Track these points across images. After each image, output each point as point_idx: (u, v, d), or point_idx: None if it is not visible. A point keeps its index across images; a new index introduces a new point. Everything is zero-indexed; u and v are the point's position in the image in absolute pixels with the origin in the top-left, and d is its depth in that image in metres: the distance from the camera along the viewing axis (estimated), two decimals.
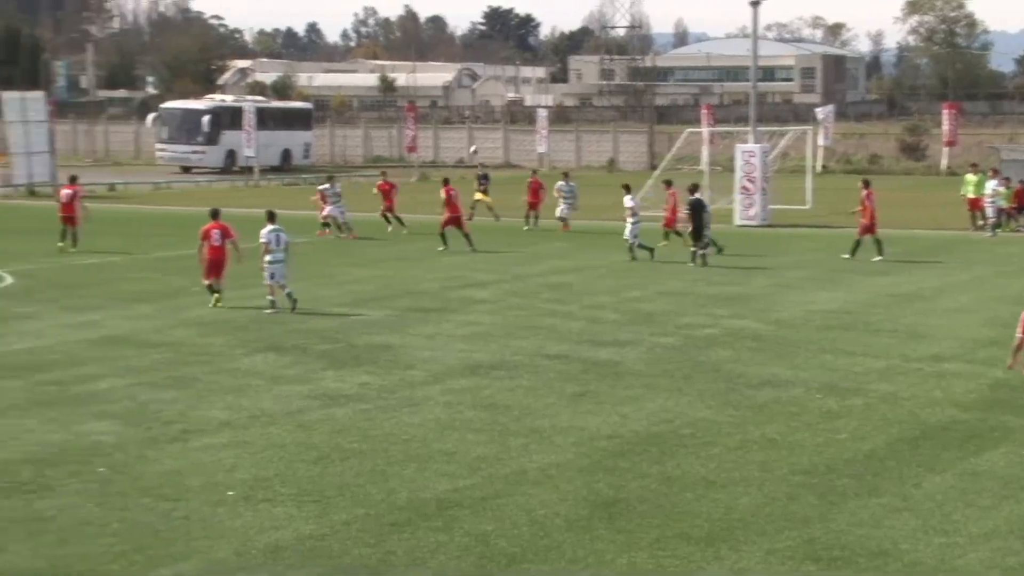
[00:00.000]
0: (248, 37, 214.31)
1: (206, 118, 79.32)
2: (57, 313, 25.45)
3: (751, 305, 27.07)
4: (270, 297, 25.89)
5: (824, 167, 72.26)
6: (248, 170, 70.45)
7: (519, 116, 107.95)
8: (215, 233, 26.49)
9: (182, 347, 22.12)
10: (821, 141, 73.13)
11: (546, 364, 20.75)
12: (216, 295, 26.37)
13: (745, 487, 14.09)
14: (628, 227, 34.88)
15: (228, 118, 78.15)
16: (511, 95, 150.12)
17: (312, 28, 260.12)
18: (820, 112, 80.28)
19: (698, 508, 13.38)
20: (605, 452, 15.53)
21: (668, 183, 38.00)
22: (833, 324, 24.68)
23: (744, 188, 45.02)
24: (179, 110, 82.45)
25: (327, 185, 41.79)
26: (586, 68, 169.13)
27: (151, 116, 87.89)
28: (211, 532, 12.62)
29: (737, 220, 44.67)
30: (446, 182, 38.12)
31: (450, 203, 37.11)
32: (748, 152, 45.37)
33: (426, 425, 16.84)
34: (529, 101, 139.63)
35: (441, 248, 36.22)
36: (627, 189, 35.97)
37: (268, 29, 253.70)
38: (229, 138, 77.36)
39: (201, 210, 30.10)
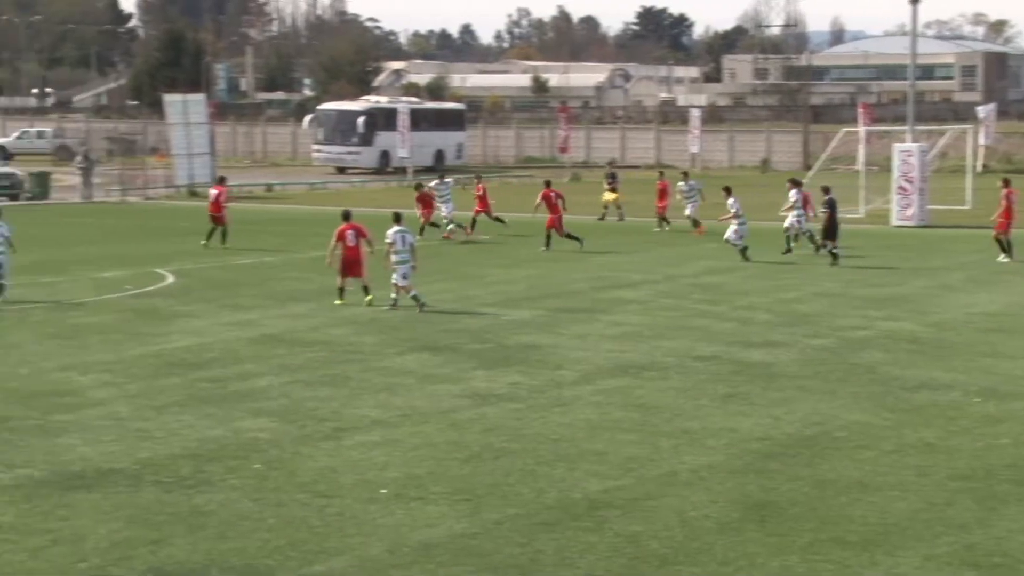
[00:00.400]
0: (403, 39, 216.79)
1: (361, 119, 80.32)
2: (216, 312, 25.97)
3: (908, 307, 26.60)
4: (393, 296, 26.23)
5: (985, 166, 70.72)
6: (402, 171, 71.19)
7: (672, 116, 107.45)
8: (349, 234, 26.86)
9: (336, 346, 22.42)
10: (982, 140, 71.63)
11: (697, 365, 20.62)
12: (368, 296, 26.70)
13: (901, 491, 13.84)
14: (731, 229, 34.46)
15: (383, 119, 79.10)
16: (664, 95, 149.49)
17: (466, 29, 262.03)
18: (981, 111, 78.62)
19: (852, 512, 13.18)
20: (757, 454, 15.38)
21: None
22: (993, 327, 24.15)
23: (901, 188, 44.27)
24: (335, 112, 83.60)
25: (437, 181, 41.77)
26: (740, 67, 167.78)
27: (308, 118, 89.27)
28: (364, 529, 12.77)
29: (894, 221, 43.94)
30: (547, 184, 38.32)
31: (550, 205, 37.10)
32: (905, 152, 44.59)
33: (576, 425, 16.84)
34: (682, 101, 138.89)
35: (542, 248, 36.26)
36: (728, 192, 35.57)
37: (422, 31, 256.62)
38: (383, 139, 78.28)
39: (356, 210, 30.46)
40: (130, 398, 18.17)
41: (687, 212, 42.19)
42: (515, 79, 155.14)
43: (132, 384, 19.10)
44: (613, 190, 46.28)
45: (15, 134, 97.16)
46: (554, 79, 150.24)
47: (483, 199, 41.97)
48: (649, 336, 23.23)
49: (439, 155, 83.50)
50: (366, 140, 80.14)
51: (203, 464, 14.86)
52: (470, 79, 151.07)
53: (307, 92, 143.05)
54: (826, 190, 35.13)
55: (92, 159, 61.09)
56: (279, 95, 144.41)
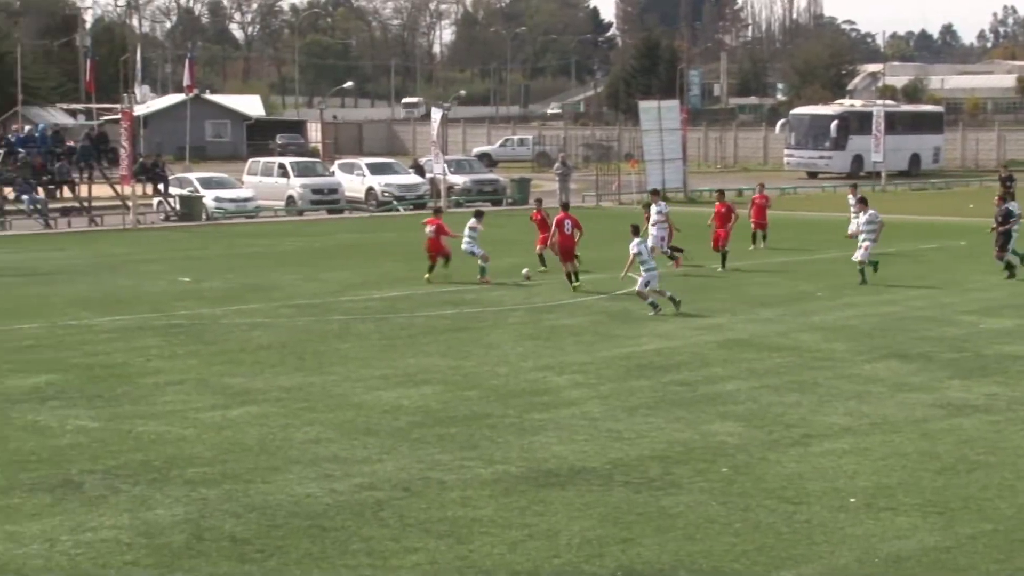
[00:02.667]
0: (880, 41, 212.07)
1: (834, 123, 79.27)
2: (686, 316, 26.22)
3: None
4: (649, 301, 26.13)
5: None
6: (875, 175, 69.72)
7: None
8: (566, 223, 30.36)
9: (805, 352, 22.22)
10: None
11: None
12: (575, 283, 29.42)
13: None
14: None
15: (856, 123, 77.80)
16: None
17: (947, 30, 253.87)
18: None
19: None
20: None
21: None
22: None
23: None
24: (807, 116, 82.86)
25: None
26: None
27: (780, 122, 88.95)
28: (832, 537, 12.61)
29: None
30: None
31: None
32: None
33: None
34: None
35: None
36: (864, 202, 32.79)
37: (901, 32, 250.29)
38: (856, 143, 76.95)
39: (827, 216, 30.09)
40: (602, 399, 18.63)
41: None
42: (998, 80, 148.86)
43: (604, 385, 19.58)
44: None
45: (499, 142, 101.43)
46: None
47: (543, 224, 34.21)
48: None
49: (914, 159, 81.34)
50: (839, 144, 79.01)
51: (671, 466, 15.06)
52: (949, 80, 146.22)
53: (779, 97, 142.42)
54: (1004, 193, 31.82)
55: (569, 165, 62.96)
56: (751, 100, 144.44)
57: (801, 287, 30.26)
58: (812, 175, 79.00)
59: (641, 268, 26.47)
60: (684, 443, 16.12)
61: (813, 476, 14.62)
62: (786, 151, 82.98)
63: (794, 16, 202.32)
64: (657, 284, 26.56)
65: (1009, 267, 31.49)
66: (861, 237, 31.01)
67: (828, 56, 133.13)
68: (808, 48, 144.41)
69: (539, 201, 36.57)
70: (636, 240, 26.75)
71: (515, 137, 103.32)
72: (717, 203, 35.46)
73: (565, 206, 32.49)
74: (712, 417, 17.46)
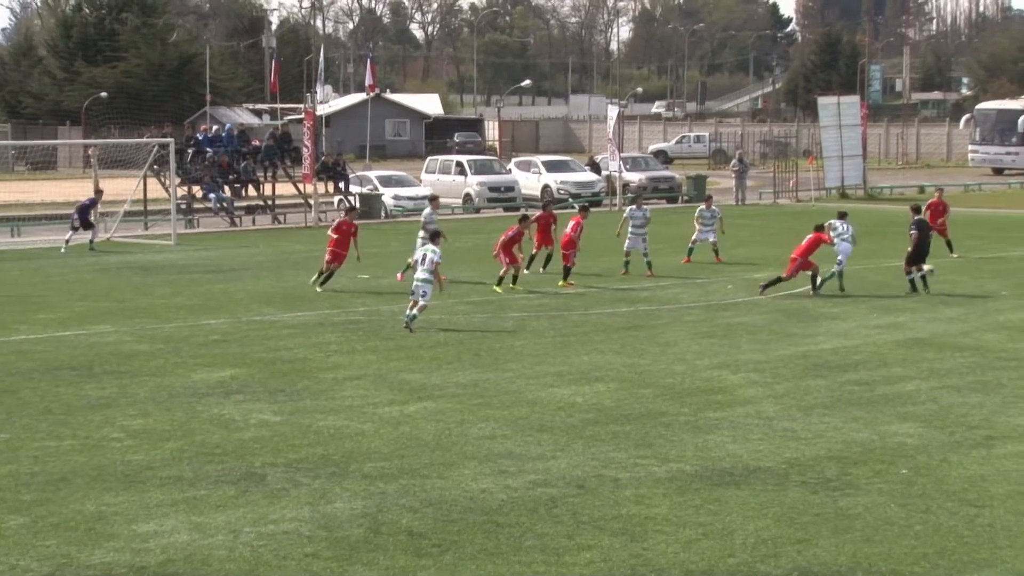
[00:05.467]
0: None
1: (1022, 119, 77.26)
2: (865, 314, 25.82)
3: None
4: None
5: None
6: None
7: None
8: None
9: (988, 351, 21.71)
10: None
11: None
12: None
13: None
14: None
15: None
16: None
17: None
18: None
19: None
20: None
21: None
22: None
23: None
24: (994, 111, 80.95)
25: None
26: None
27: (964, 117, 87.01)
28: (1016, 542, 12.32)
29: None
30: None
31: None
32: None
33: None
34: None
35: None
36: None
37: None
38: None
39: (1013, 212, 29.37)
40: (777, 398, 18.45)
41: None
42: None
43: (780, 384, 19.38)
44: None
45: (675, 139, 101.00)
46: None
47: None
48: None
49: None
50: None
51: (849, 467, 14.86)
52: None
53: (964, 92, 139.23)
54: (915, 210, 29.87)
55: (746, 162, 62.39)
56: (935, 95, 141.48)
57: (985, 286, 29.58)
58: (998, 171, 77.12)
59: None
60: (862, 443, 15.88)
61: (996, 478, 14.30)
62: (970, 147, 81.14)
63: (980, 9, 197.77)
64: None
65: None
66: None
67: (1016, 50, 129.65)
68: (995, 42, 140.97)
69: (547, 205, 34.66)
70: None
71: (691, 134, 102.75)
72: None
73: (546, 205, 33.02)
74: (891, 418, 17.17)
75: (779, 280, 28.43)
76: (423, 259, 24.54)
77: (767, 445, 15.84)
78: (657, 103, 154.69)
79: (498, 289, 28.79)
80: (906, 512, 13.20)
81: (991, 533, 12.56)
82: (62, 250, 39.15)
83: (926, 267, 28.30)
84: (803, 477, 14.45)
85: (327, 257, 29.54)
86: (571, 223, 30.72)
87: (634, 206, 33.33)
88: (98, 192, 41.49)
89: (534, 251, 32.04)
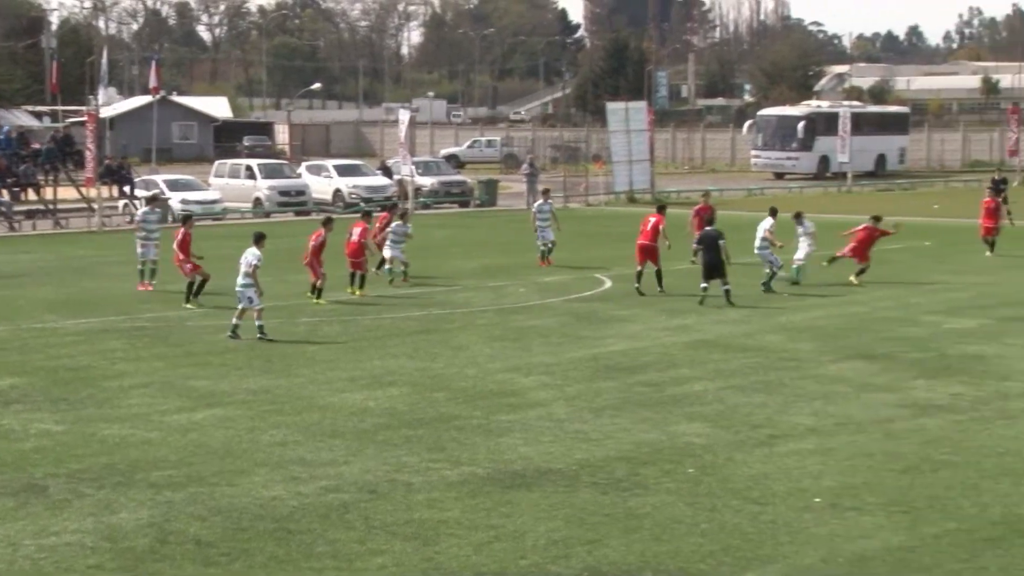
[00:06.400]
0: (847, 42, 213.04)
1: (801, 124, 79.55)
2: (653, 316, 26.27)
3: None
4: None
5: None
6: (841, 176, 70.03)
7: None
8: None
9: (771, 352, 22.29)
10: None
11: None
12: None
13: None
14: None
15: (823, 124, 78.12)
16: None
17: (913, 31, 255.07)
18: None
19: None
20: None
21: None
22: None
23: None
24: (774, 117, 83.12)
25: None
26: None
27: (747, 123, 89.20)
28: (797, 538, 12.65)
29: None
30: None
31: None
32: None
33: (1021, 438, 16.14)
34: None
35: None
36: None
37: (867, 33, 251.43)
38: (823, 144, 77.28)
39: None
40: (568, 400, 18.64)
41: None
42: (963, 81, 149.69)
43: (571, 386, 19.59)
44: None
45: (466, 143, 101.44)
46: (1006, 80, 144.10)
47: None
48: None
49: (880, 160, 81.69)
50: (806, 145, 79.29)
51: (638, 467, 15.09)
52: (915, 82, 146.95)
53: (747, 98, 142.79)
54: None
55: (536, 167, 62.98)
56: (719, 101, 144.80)
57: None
58: (779, 176, 79.22)
59: None
60: (651, 444, 16.14)
61: (779, 476, 14.67)
62: (753, 152, 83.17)
63: (761, 17, 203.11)
64: None
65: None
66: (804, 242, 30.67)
67: (795, 57, 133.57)
68: (775, 49, 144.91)
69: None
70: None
71: (483, 139, 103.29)
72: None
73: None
74: (679, 418, 17.50)
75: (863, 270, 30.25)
76: (242, 262, 23.86)
77: (558, 447, 15.99)
78: (516, 110, 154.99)
79: (318, 301, 28.04)
80: (693, 511, 13.46)
81: (773, 529, 12.88)
82: None
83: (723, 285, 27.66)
84: (593, 478, 14.62)
85: (189, 268, 27.79)
86: (357, 230, 29.85)
87: (400, 221, 32.45)
88: None
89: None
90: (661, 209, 30.78)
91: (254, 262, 23.81)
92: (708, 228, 28.86)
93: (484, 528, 12.92)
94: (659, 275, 29.32)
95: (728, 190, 67.01)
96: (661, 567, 11.89)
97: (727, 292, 27.32)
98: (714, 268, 27.57)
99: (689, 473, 14.85)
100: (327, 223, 28.88)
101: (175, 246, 27.78)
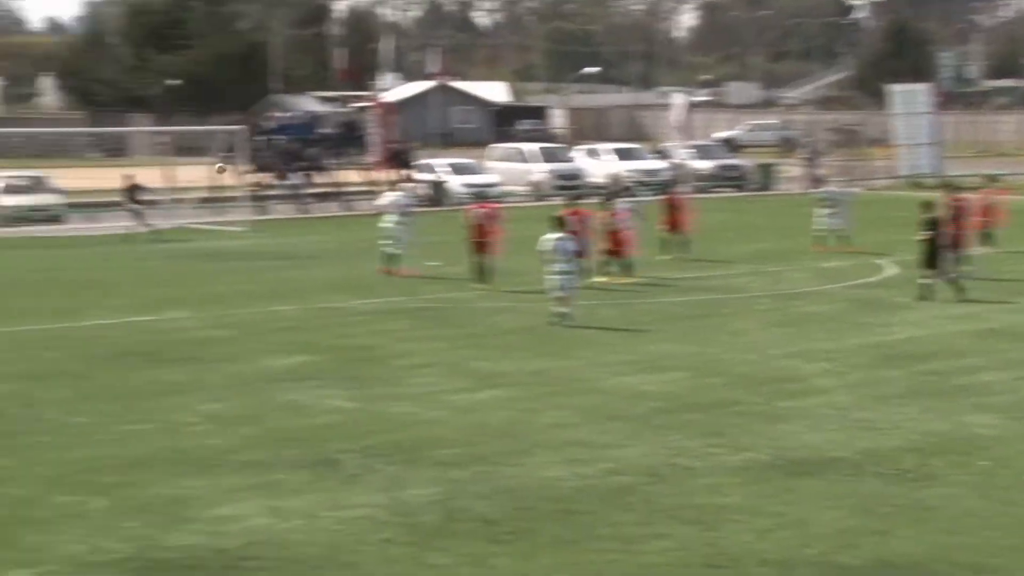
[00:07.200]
0: None
1: None
2: (940, 304, 25.53)
3: None
4: None
5: None
6: None
7: None
8: None
9: None
10: None
11: None
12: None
13: None
14: None
15: None
16: None
17: None
18: None
19: None
20: None
21: None
22: None
23: None
24: None
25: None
26: None
27: None
28: None
29: None
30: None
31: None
32: None
33: None
34: None
35: None
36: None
37: None
38: None
39: None
40: (851, 388, 18.30)
41: None
42: None
43: (853, 374, 19.23)
44: None
45: (743, 127, 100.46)
46: None
47: None
48: None
49: None
50: None
51: (926, 458, 14.71)
52: None
53: None
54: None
55: (816, 150, 61.98)
56: (1008, 82, 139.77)
57: None
58: None
59: None
60: (939, 434, 15.73)
61: None
62: None
63: None
64: None
65: None
66: None
67: None
68: None
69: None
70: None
71: (759, 122, 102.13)
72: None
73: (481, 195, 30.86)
74: (968, 408, 16.99)
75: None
76: (556, 249, 23.60)
77: (842, 435, 15.72)
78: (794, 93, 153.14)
79: (620, 278, 28.37)
80: (988, 503, 13.05)
81: None
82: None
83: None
84: (879, 467, 14.33)
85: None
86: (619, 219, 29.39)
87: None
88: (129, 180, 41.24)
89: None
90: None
91: (572, 247, 23.79)
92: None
93: (767, 515, 12.80)
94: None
95: (1018, 174, 64.66)
96: (953, 560, 11.57)
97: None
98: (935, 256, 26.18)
99: (981, 465, 14.40)
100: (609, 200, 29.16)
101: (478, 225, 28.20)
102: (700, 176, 58.20)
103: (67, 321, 24.14)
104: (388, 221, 31.01)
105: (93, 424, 16.36)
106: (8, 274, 31.95)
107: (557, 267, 23.53)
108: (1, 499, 13.24)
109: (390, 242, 30.61)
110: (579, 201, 32.19)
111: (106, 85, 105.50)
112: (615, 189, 34.56)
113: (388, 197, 32.66)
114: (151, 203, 42.80)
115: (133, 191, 41.57)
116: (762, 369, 19.64)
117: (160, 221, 42.21)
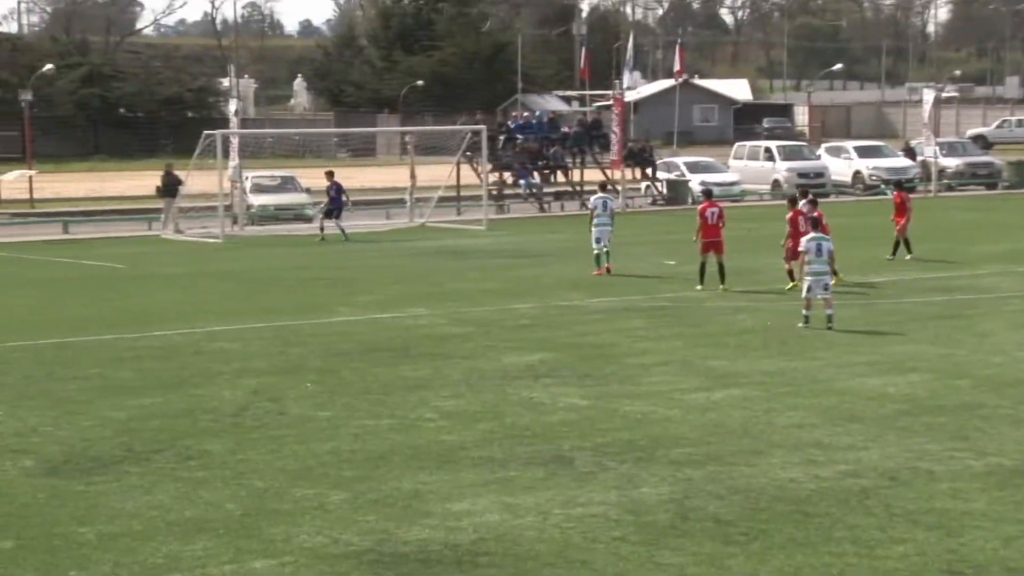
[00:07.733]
0: None
1: None
2: None
3: None
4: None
5: None
6: None
7: None
8: (710, 212, 27.23)
9: None
10: None
11: None
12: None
13: None
14: None
15: None
16: None
17: None
18: None
19: None
20: None
21: None
22: None
23: None
24: None
25: None
26: None
27: None
28: None
29: None
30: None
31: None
32: None
33: None
34: None
35: None
36: None
37: None
38: None
39: None
40: None
41: None
42: None
43: None
44: None
45: (995, 123, 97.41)
46: None
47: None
48: None
49: None
50: None
51: None
52: None
53: None
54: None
55: None
56: None
57: None
58: None
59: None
60: None
61: None
62: None
63: None
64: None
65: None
66: None
67: None
68: None
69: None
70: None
71: (1013, 118, 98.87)
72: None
73: (708, 193, 28.71)
74: None
75: None
76: (818, 249, 22.85)
77: None
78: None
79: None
80: None
81: None
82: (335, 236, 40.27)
83: None
84: None
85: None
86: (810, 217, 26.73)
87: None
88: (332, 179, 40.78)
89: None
90: None
91: (829, 247, 23.11)
92: None
93: (1012, 522, 12.41)
94: None
95: None
96: None
97: None
98: None
99: None
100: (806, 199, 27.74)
101: (702, 222, 27.60)
102: (948, 174, 56.71)
103: (314, 317, 24.83)
104: (595, 223, 30.66)
105: (336, 418, 16.77)
106: (255, 272, 32.99)
107: (815, 267, 22.97)
108: (245, 491, 13.67)
109: (596, 244, 30.38)
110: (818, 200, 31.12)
111: (355, 86, 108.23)
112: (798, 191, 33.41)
113: (593, 199, 32.32)
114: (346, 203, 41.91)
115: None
116: (1009, 372, 19.04)
117: (403, 220, 43.01)
